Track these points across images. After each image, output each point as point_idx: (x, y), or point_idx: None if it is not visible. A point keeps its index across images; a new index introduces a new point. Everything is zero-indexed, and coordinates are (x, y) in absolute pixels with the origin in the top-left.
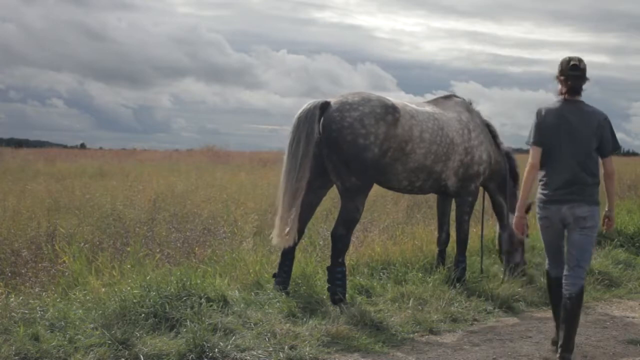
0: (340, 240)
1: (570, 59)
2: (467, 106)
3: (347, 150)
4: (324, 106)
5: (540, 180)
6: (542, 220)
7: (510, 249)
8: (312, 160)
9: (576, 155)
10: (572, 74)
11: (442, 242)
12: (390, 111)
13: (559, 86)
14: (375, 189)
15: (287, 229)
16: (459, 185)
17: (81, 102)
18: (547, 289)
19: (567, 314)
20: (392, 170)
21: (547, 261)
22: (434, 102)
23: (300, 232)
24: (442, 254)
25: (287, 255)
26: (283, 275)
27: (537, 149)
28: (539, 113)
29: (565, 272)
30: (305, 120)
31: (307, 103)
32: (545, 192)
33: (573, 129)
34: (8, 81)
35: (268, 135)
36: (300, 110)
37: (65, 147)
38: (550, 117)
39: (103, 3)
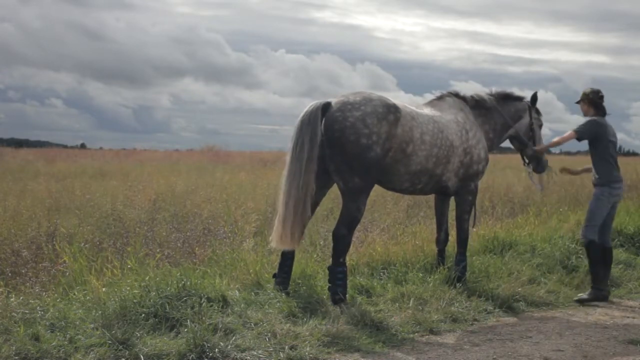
0: (341, 240)
1: (598, 91)
2: (461, 106)
3: (350, 150)
4: (326, 107)
5: (607, 170)
6: (614, 197)
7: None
8: (316, 164)
9: (615, 154)
10: (601, 102)
11: (441, 242)
12: (392, 110)
13: (587, 107)
14: (377, 188)
15: (290, 233)
16: (459, 185)
17: (80, 102)
18: (596, 254)
19: (611, 259)
20: (394, 171)
21: (595, 233)
22: (430, 104)
23: (301, 234)
24: (441, 254)
25: (287, 256)
26: (283, 276)
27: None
28: (594, 122)
29: (605, 236)
30: (309, 123)
31: (309, 105)
32: (616, 177)
33: (613, 137)
34: (7, 81)
35: (268, 135)
36: (302, 113)
37: (65, 147)
38: (603, 128)
39: (101, 3)
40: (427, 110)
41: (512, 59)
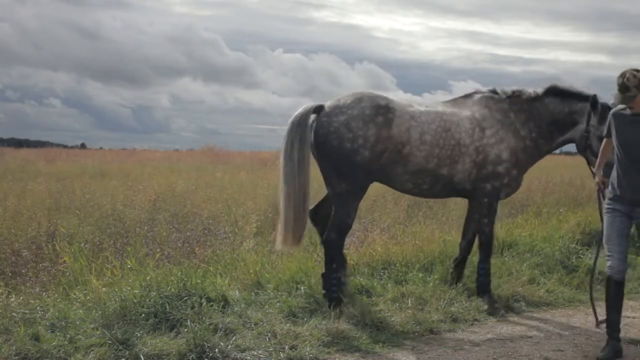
0: (332, 246)
1: None
2: (488, 103)
3: (334, 155)
4: (318, 110)
5: None
6: None
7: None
8: (310, 164)
9: None
10: None
11: (461, 249)
12: (382, 112)
13: None
14: (377, 188)
15: (292, 235)
16: (474, 187)
17: (79, 102)
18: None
19: None
20: (392, 172)
21: None
22: (452, 101)
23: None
24: (460, 263)
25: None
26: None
27: None
28: None
29: None
30: (298, 126)
31: (301, 107)
32: None
33: None
34: (5, 80)
35: (267, 135)
36: (293, 115)
37: (65, 147)
38: None
39: (98, 2)
40: (441, 108)
41: (511, 58)
